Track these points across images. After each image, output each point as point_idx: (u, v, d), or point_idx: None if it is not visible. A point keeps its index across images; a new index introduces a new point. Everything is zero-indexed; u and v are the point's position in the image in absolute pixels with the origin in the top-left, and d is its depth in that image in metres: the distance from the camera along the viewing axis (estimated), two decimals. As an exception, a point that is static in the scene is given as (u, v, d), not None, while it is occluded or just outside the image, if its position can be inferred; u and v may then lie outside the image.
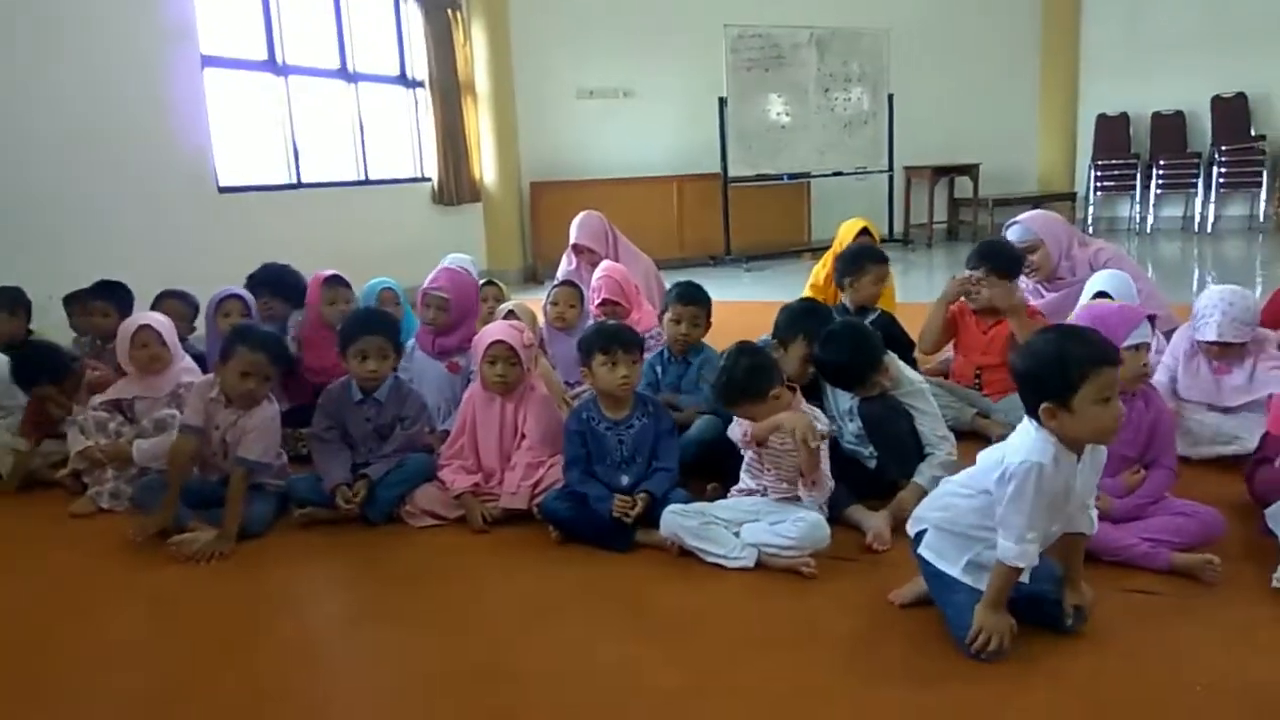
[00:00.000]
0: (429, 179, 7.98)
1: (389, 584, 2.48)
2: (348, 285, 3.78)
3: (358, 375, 2.94)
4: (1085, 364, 1.75)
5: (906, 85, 9.28)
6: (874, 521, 2.53)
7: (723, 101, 8.50)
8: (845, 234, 4.29)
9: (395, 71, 7.92)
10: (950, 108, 9.77)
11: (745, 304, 6.24)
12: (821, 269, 4.33)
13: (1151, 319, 2.33)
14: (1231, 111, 9.63)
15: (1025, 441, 1.82)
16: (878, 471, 2.80)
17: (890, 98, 9.26)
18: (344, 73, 7.34)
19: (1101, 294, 3.16)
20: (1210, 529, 2.28)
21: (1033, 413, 1.81)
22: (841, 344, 2.74)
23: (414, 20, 7.82)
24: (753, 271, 8.45)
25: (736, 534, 2.42)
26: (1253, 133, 9.53)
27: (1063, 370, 1.76)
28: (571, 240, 4.76)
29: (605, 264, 4.22)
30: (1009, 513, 1.81)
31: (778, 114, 8.88)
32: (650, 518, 2.53)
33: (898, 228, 9.84)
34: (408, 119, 8.04)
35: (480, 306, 3.77)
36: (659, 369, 3.26)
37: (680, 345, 3.20)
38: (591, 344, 2.66)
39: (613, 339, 2.64)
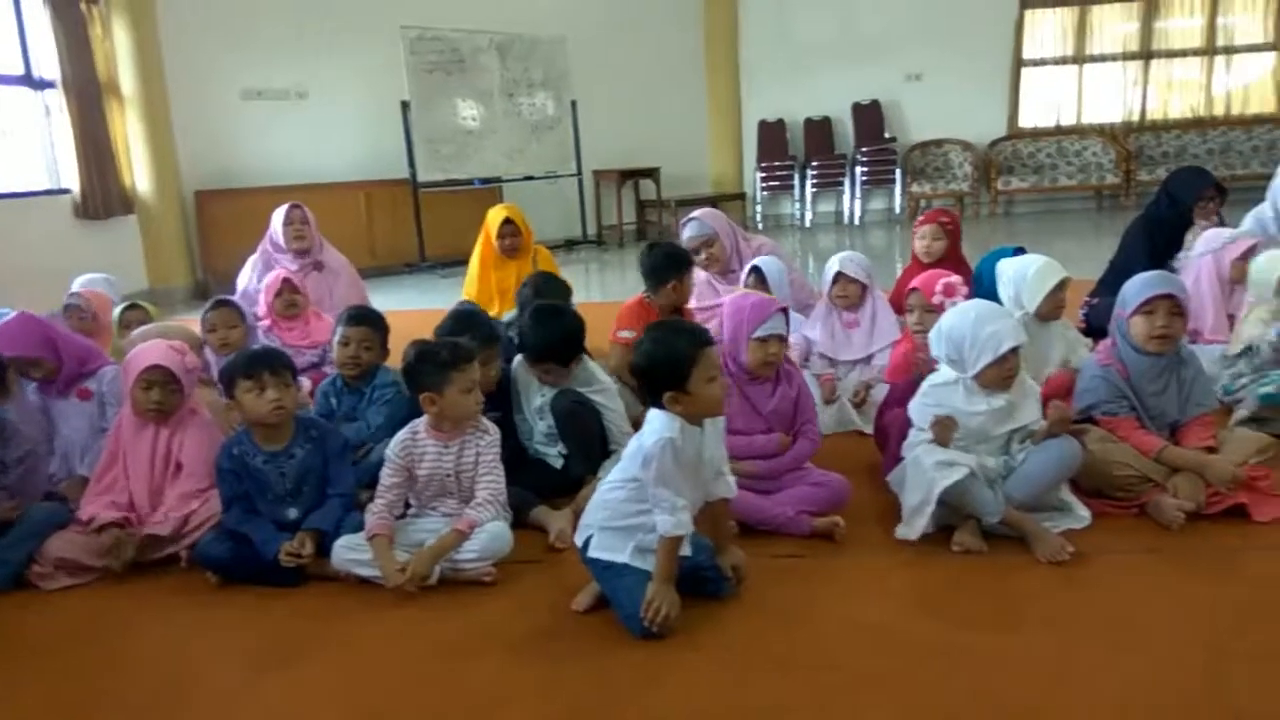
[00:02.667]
0: (69, 190, 7.07)
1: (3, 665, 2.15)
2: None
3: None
4: (690, 351, 1.98)
5: (588, 92, 9.58)
6: (557, 521, 2.58)
7: (405, 105, 8.30)
8: (490, 222, 4.42)
9: (19, 71, 6.92)
10: (630, 114, 10.23)
11: (441, 311, 6.13)
12: (475, 260, 4.42)
13: (785, 311, 2.56)
14: (868, 117, 10.94)
15: (654, 424, 2.01)
16: (564, 471, 2.86)
17: (573, 104, 9.52)
18: (-51, 70, 6.30)
19: (756, 269, 3.66)
20: (841, 494, 2.55)
21: (656, 402, 2.01)
22: (551, 318, 2.87)
23: (38, 15, 6.87)
24: (450, 278, 8.33)
25: (416, 553, 2.36)
26: (886, 135, 10.88)
27: (674, 363, 1.98)
28: (280, 222, 4.59)
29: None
30: (657, 489, 1.97)
31: (464, 118, 8.82)
32: (323, 547, 2.40)
33: (590, 229, 10.16)
34: (37, 124, 7.06)
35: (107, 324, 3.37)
36: (334, 399, 3.07)
37: (350, 369, 3.00)
38: (234, 371, 2.45)
39: (256, 362, 2.44)
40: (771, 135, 11.09)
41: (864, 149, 10.79)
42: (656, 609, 1.95)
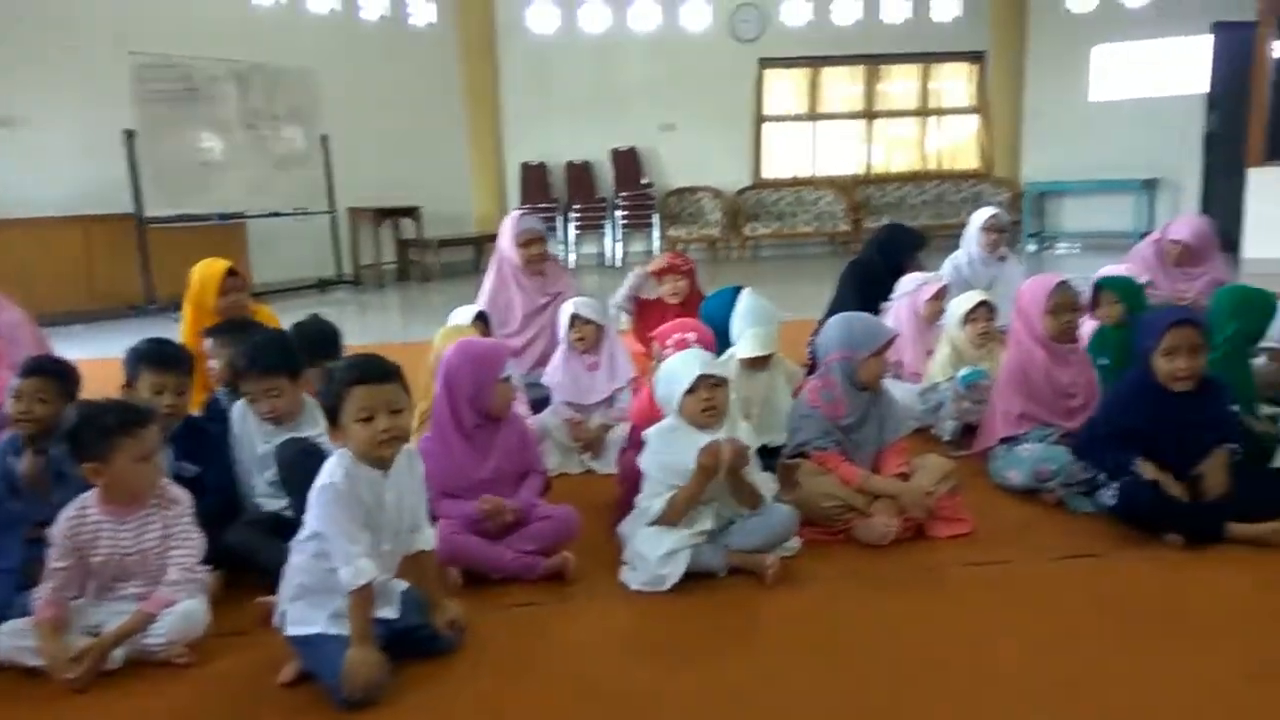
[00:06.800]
0: None
1: None
2: None
3: None
4: (341, 384, 1.91)
5: (341, 127, 9.26)
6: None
7: (130, 134, 7.64)
8: (205, 277, 3.70)
9: None
10: (388, 151, 9.96)
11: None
12: (185, 322, 3.78)
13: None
14: (626, 162, 11.31)
15: (325, 467, 1.92)
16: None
17: (324, 138, 9.16)
18: None
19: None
20: (569, 525, 2.53)
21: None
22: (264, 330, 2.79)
23: None
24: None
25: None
26: (644, 181, 11.29)
27: (330, 392, 1.92)
28: None
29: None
30: (329, 538, 1.88)
31: (200, 149, 8.26)
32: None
33: (347, 269, 9.77)
34: None
35: None
36: (13, 460, 2.68)
37: (26, 427, 2.60)
38: None
39: None
40: (534, 177, 11.20)
41: (623, 194, 11.13)
42: (355, 678, 1.83)
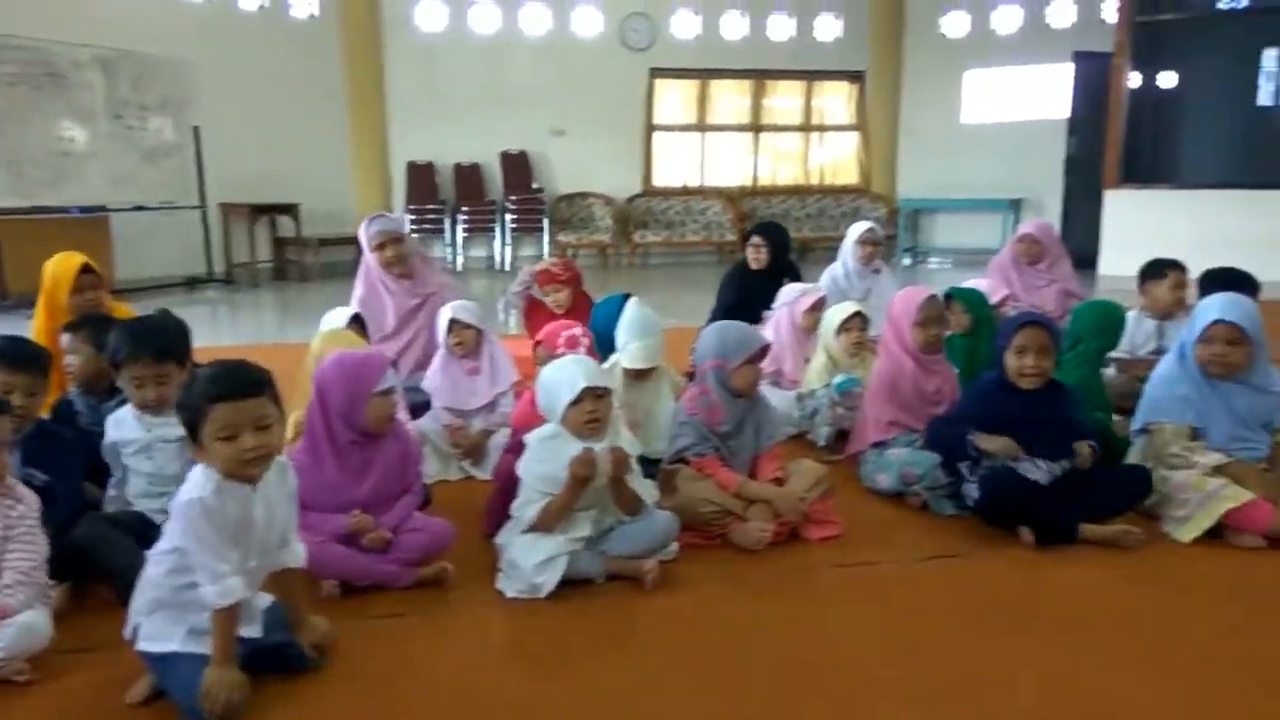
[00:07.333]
0: None
1: None
2: None
3: None
4: (201, 400, 1.79)
5: (215, 119, 8.87)
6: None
7: (-20, 119, 7.16)
8: (59, 273, 3.40)
9: None
10: (265, 146, 9.56)
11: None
12: (37, 320, 3.49)
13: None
14: (517, 166, 11.21)
15: (190, 480, 1.81)
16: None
17: (196, 130, 8.76)
18: None
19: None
20: (442, 538, 2.48)
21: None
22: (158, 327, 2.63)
23: None
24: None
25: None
26: (534, 185, 11.21)
27: (189, 407, 1.80)
28: None
29: None
30: (195, 554, 1.77)
31: (60, 138, 7.78)
32: None
33: (219, 267, 9.36)
34: None
35: None
36: None
37: None
38: None
39: None
40: (421, 178, 10.96)
41: (513, 197, 11.03)
42: (214, 698, 1.74)
